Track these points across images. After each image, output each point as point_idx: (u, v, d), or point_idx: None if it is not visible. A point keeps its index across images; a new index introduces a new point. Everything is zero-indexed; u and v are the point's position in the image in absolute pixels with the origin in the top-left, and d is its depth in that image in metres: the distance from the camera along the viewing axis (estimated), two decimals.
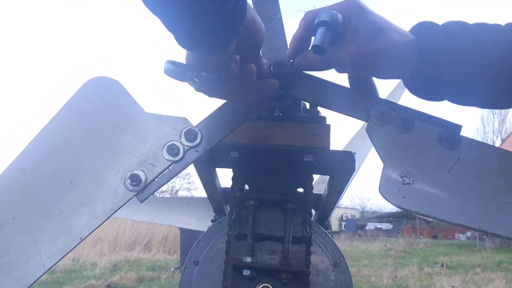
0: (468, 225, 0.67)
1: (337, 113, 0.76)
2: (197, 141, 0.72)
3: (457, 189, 0.69)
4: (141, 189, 0.70)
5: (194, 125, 0.72)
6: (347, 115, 0.76)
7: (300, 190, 0.94)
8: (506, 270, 8.87)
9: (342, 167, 0.86)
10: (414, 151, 0.71)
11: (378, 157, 0.72)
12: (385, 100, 0.76)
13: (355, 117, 0.75)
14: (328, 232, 1.33)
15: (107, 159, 0.71)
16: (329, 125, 0.84)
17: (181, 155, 0.71)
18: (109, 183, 0.70)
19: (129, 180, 0.70)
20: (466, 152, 0.71)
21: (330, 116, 0.84)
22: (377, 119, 0.73)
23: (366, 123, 0.74)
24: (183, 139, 0.71)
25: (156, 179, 0.71)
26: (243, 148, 0.83)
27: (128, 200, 0.70)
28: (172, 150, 0.71)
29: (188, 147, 0.71)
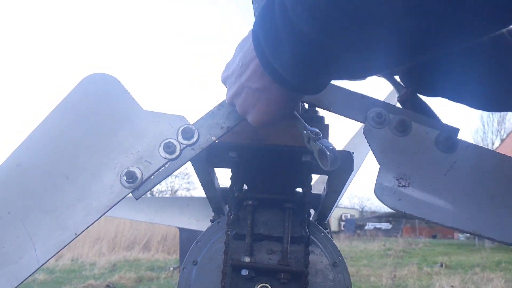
0: (462, 228, 0.68)
1: (335, 114, 0.76)
2: (194, 139, 0.72)
3: (453, 193, 0.69)
4: (137, 186, 0.70)
5: (192, 123, 0.72)
6: (344, 116, 0.76)
7: (299, 190, 0.93)
8: (505, 270, 8.87)
9: (340, 166, 0.86)
10: (410, 154, 0.71)
11: (375, 159, 0.72)
12: (383, 102, 0.75)
13: (352, 118, 0.75)
14: (327, 232, 1.33)
15: (104, 156, 0.71)
16: (327, 125, 0.85)
17: (177, 153, 0.71)
18: (105, 179, 0.70)
19: (125, 177, 0.70)
20: (462, 155, 0.71)
21: (328, 116, 0.84)
22: (374, 121, 0.73)
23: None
24: (179, 137, 0.71)
25: (152, 177, 0.71)
26: (242, 148, 0.83)
27: (124, 197, 0.70)
28: (169, 148, 0.71)
29: (184, 145, 0.71)
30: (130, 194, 0.71)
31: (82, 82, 0.73)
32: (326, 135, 0.84)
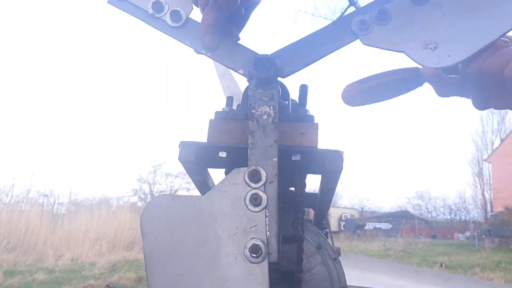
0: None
1: (332, 52, 0.81)
2: (262, 181, 0.70)
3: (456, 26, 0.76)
4: (266, 255, 0.66)
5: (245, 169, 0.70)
6: (336, 49, 0.80)
7: (292, 189, 0.93)
8: (505, 270, 8.88)
9: (330, 166, 0.86)
10: (406, 28, 0.79)
11: (394, 53, 0.77)
12: (355, 12, 0.81)
13: (345, 44, 0.80)
14: (327, 232, 1.33)
15: (215, 261, 0.66)
16: (317, 124, 0.84)
17: (264, 203, 0.69)
18: (237, 272, 0.65)
19: (249, 251, 0.66)
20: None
21: (318, 115, 0.84)
22: (360, 28, 0.79)
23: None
24: (253, 185, 0.70)
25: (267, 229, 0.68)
26: (231, 148, 0.82)
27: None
28: (255, 200, 0.69)
29: (261, 189, 0.70)
30: None
31: (145, 214, 0.71)
32: (315, 135, 0.83)
